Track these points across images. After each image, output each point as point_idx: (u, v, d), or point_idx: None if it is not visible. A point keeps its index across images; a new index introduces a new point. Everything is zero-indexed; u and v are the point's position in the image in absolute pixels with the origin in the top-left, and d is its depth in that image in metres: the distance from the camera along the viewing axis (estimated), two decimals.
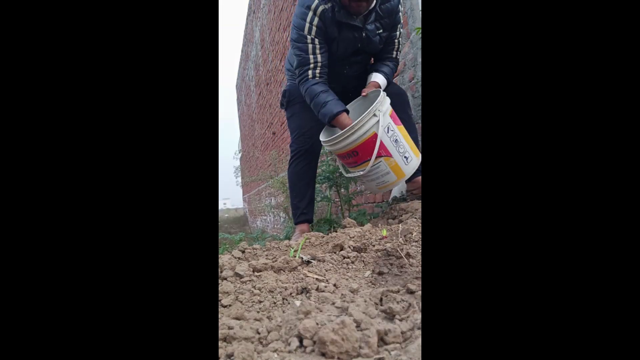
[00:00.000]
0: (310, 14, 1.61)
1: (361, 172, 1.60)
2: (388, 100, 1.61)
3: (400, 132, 1.61)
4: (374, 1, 1.63)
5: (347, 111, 1.65)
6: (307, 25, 1.62)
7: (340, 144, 1.57)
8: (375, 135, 1.52)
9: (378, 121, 1.51)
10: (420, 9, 2.11)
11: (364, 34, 1.69)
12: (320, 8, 1.60)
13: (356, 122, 1.52)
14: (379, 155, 1.55)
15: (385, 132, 1.54)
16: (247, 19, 8.80)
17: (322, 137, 1.75)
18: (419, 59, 2.09)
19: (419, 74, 2.10)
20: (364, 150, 1.55)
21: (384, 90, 1.77)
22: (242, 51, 10.30)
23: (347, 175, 1.76)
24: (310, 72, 1.67)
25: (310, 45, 1.64)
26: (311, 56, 1.65)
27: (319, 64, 1.67)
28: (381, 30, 1.72)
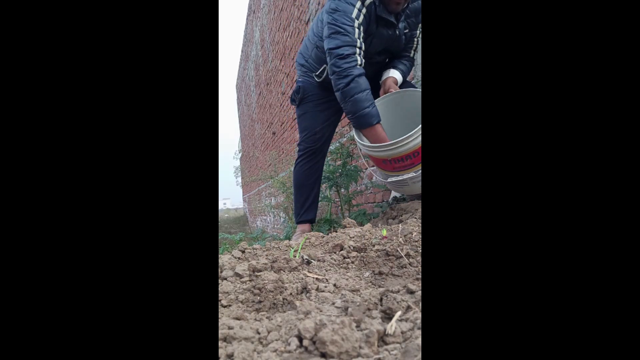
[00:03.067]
0: (359, 2, 1.53)
1: (414, 174, 1.52)
2: None
3: None
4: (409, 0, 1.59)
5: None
6: (356, 10, 1.53)
7: (405, 147, 1.48)
8: None
9: None
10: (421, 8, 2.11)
11: (397, 32, 1.65)
12: (368, 0, 1.54)
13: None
14: None
15: None
16: (247, 19, 8.80)
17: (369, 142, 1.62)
18: (419, 59, 2.09)
19: (419, 74, 2.10)
20: None
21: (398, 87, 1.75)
22: (242, 51, 10.30)
23: (387, 180, 1.66)
24: (358, 57, 1.55)
25: (357, 30, 1.54)
26: (358, 40, 1.54)
27: (362, 51, 1.57)
28: (407, 30, 1.69)
